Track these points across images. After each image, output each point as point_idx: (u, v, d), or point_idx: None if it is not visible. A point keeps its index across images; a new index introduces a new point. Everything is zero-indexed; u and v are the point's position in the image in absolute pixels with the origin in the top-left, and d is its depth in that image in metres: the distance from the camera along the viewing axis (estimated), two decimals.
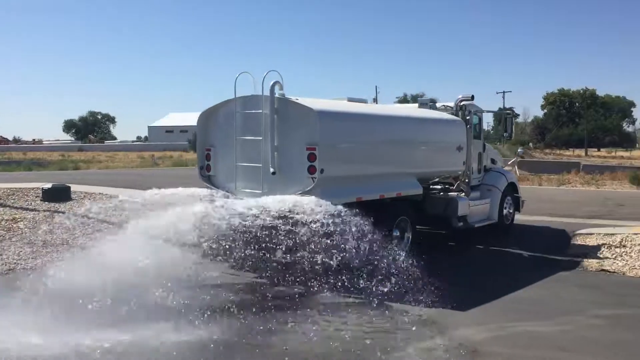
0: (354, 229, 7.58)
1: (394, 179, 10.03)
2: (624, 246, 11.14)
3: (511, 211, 13.32)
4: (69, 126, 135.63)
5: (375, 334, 6.42)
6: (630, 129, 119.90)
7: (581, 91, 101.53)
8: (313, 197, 8.08)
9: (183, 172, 33.42)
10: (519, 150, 19.16)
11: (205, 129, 9.88)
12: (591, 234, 12.32)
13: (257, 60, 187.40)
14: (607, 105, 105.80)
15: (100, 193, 16.56)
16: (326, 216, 7.60)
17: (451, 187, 12.05)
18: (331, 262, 7.43)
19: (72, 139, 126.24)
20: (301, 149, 8.54)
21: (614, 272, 9.73)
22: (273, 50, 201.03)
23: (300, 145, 8.56)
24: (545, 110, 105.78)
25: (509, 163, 17.13)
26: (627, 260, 10.28)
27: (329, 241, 7.45)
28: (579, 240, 11.99)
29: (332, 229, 7.48)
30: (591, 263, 10.22)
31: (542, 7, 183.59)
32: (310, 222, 7.50)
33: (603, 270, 9.84)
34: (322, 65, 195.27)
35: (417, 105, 12.55)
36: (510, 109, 29.45)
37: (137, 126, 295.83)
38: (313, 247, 7.46)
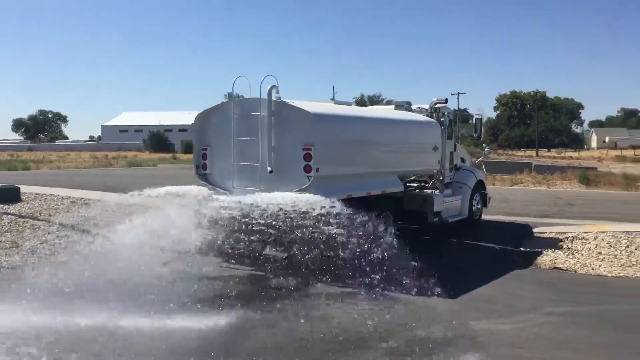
0: (360, 226, 8.22)
1: (379, 178, 10.71)
2: (575, 244, 11.50)
3: (479, 207, 14.06)
4: (17, 125, 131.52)
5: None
6: (578, 130, 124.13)
7: (532, 93, 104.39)
8: (321, 196, 8.53)
9: (139, 172, 32.82)
10: (485, 149, 19.63)
11: (201, 130, 10.28)
12: (544, 232, 12.69)
13: (211, 60, 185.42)
14: (556, 107, 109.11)
15: (51, 194, 16.04)
16: (339, 213, 8.22)
17: (427, 185, 12.72)
18: (341, 254, 8.06)
19: (22, 138, 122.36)
20: (297, 149, 9.07)
21: (567, 269, 10.01)
22: (227, 50, 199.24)
23: (297, 146, 9.09)
24: (498, 112, 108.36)
25: (476, 162, 17.69)
26: (578, 258, 10.59)
27: (341, 235, 8.05)
28: (533, 239, 12.32)
29: (343, 224, 8.10)
30: (544, 261, 10.48)
31: (495, 10, 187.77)
32: (329, 218, 8.12)
33: (556, 268, 10.10)
34: (277, 65, 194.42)
35: (393, 107, 13.00)
36: (465, 110, 30.05)
37: (89, 125, 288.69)
38: (325, 240, 8.09)
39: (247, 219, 8.30)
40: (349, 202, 8.79)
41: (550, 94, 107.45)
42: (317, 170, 8.99)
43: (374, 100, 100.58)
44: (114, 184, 20.16)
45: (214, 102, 10.47)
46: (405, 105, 12.68)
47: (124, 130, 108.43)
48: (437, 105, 12.53)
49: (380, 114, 11.71)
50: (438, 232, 12.56)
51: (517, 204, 18.16)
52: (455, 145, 13.57)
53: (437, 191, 12.33)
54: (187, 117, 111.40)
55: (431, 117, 12.44)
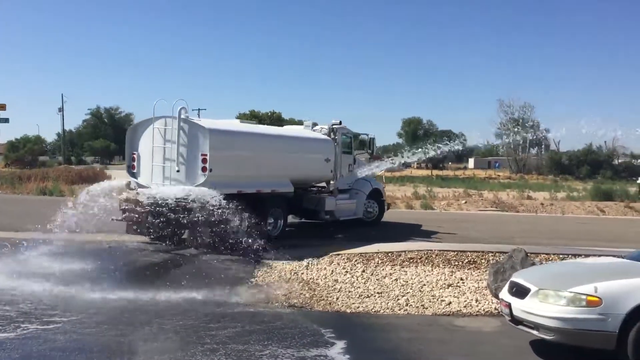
0: (231, 211, 11.12)
1: (270, 180, 13.27)
2: (311, 270, 10.53)
3: (370, 210, 16.66)
4: None
5: None
6: None
7: (269, 113, 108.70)
8: (205, 188, 11.42)
9: None
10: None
11: (131, 139, 12.90)
12: (278, 260, 11.15)
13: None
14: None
15: None
16: (216, 201, 11.12)
17: (325, 189, 15.61)
18: (219, 233, 11.23)
19: None
20: (197, 155, 11.85)
21: (302, 307, 8.84)
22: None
23: (197, 152, 11.86)
24: None
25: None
26: (314, 290, 9.73)
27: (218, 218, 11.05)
28: (265, 266, 10.83)
29: (220, 211, 11.05)
30: (278, 296, 9.29)
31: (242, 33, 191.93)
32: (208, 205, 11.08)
33: (291, 306, 8.84)
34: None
35: (303, 127, 16.20)
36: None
37: None
38: (208, 222, 11.11)
39: (158, 205, 11.27)
40: (241, 196, 11.92)
41: (286, 115, 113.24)
42: (211, 170, 11.66)
43: (111, 113, 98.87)
44: None
45: None
46: (311, 125, 15.88)
47: None
48: (333, 126, 15.71)
49: (270, 131, 15.22)
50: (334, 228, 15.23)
51: None
52: (354, 159, 16.40)
53: (332, 194, 14.89)
54: None
55: (329, 135, 15.46)
